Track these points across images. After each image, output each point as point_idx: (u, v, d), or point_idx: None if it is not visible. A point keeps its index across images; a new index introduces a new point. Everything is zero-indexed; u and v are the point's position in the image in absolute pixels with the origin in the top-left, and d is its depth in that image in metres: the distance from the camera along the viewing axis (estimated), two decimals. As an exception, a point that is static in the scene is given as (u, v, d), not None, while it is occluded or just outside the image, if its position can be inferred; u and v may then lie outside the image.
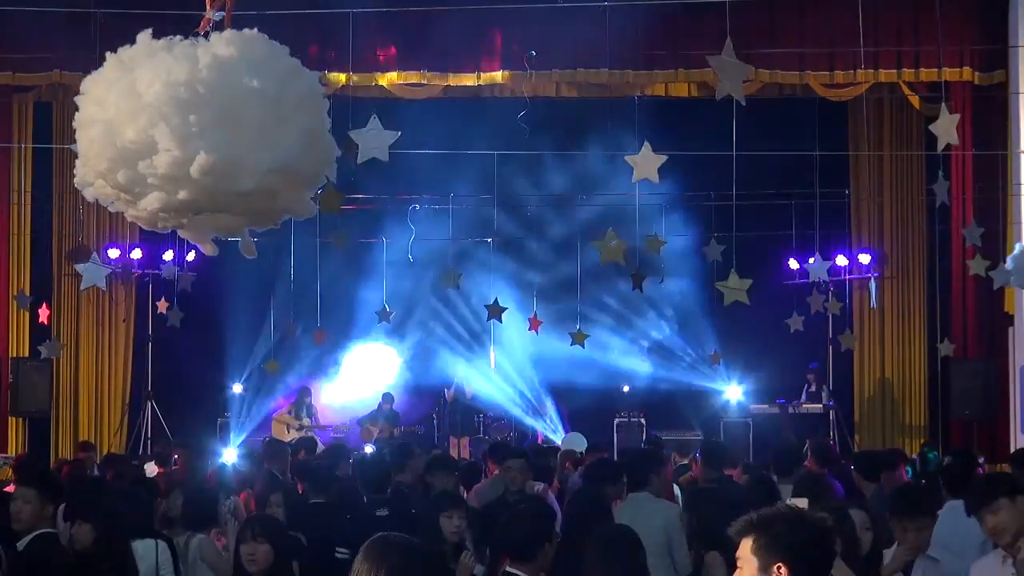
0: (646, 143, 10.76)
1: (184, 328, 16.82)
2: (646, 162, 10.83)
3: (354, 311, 17.94)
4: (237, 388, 18.15)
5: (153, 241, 16.84)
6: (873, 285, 16.51)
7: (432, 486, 8.05)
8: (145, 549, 6.43)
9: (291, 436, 16.58)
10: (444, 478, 8.09)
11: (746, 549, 3.27)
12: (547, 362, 17.79)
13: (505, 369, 18.61)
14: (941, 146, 11.04)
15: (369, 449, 14.55)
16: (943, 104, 11.77)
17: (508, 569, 5.10)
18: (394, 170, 16.59)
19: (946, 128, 10.80)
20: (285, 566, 5.85)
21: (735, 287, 14.81)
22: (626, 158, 10.90)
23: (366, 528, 6.30)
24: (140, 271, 17.38)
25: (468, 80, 16.31)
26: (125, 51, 5.62)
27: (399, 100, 16.45)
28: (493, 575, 6.00)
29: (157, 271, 17.26)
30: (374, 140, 10.12)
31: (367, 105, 13.52)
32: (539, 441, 17.21)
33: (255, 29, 5.91)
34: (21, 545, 5.85)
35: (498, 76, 16.21)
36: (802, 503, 4.10)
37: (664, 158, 10.83)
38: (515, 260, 18.66)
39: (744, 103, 9.02)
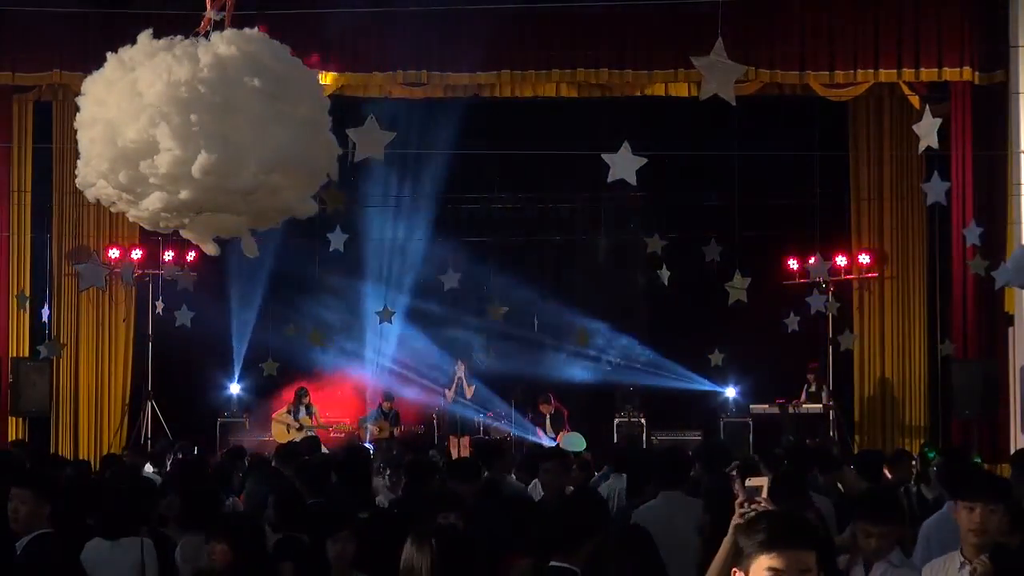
0: (625, 143, 10.68)
1: (185, 328, 16.87)
2: (624, 162, 10.70)
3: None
4: (234, 388, 18.16)
5: (153, 241, 16.84)
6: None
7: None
8: (129, 546, 6.42)
9: (291, 436, 16.59)
10: (464, 487, 7.96)
11: (812, 561, 3.28)
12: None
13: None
14: (922, 147, 11.05)
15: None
16: (926, 106, 11.80)
17: (553, 563, 5.14)
18: (393, 169, 16.69)
19: (927, 130, 10.82)
20: (250, 565, 5.80)
21: (739, 287, 14.99)
22: (603, 156, 10.77)
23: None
24: (140, 271, 17.36)
25: (467, 80, 16.32)
26: (126, 51, 5.63)
27: (398, 100, 16.46)
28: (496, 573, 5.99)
29: (157, 271, 17.27)
30: (371, 139, 10.11)
31: (366, 105, 13.55)
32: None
33: (255, 29, 5.91)
34: (20, 546, 5.82)
35: (498, 76, 16.22)
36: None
37: (644, 160, 10.74)
38: (514, 261, 18.67)
39: (734, 103, 8.98)
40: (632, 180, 10.66)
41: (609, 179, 10.77)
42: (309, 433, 16.16)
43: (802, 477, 7.49)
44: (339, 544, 6.01)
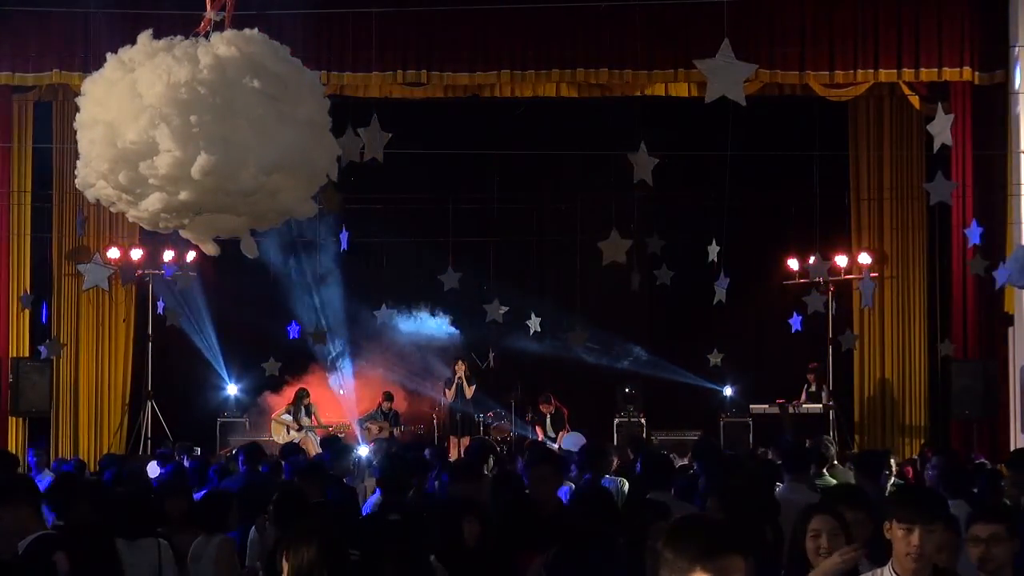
0: (642, 144, 10.77)
1: (184, 328, 16.86)
2: (643, 163, 10.88)
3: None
4: (231, 389, 18.15)
5: (153, 241, 16.83)
6: (866, 285, 16.44)
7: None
8: (147, 547, 6.45)
9: (291, 437, 16.59)
10: (470, 488, 7.95)
11: (743, 564, 3.26)
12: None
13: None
14: (937, 146, 11.06)
15: (364, 451, 14.52)
16: (939, 104, 11.80)
17: None
18: (392, 169, 16.64)
19: (942, 128, 10.83)
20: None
21: (720, 287, 15.15)
22: (629, 156, 10.93)
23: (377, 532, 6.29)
24: (140, 271, 17.36)
25: (467, 80, 16.32)
26: (126, 51, 5.63)
27: (398, 100, 16.46)
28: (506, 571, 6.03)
29: (157, 271, 17.27)
30: (373, 139, 10.15)
31: (367, 105, 13.53)
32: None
33: (255, 29, 5.91)
34: (22, 546, 5.81)
35: (498, 76, 16.22)
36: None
37: (657, 160, 10.83)
38: (514, 261, 18.67)
39: (744, 103, 8.96)
40: (649, 180, 10.78)
41: (635, 179, 10.90)
42: (308, 433, 16.18)
43: (759, 487, 7.33)
44: None
